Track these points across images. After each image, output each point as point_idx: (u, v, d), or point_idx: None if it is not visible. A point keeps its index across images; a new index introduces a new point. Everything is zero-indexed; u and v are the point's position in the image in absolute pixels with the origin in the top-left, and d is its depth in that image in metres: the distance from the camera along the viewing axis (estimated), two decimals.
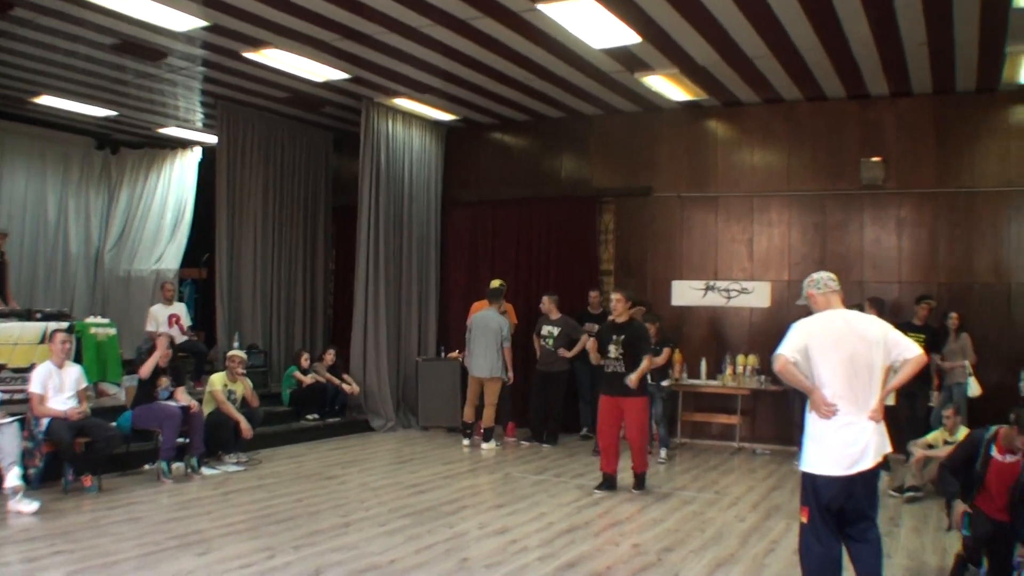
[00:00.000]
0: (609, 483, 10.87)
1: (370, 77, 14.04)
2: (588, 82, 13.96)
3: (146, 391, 11.47)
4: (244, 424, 12.05)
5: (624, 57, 12.57)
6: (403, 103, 15.72)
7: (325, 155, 18.11)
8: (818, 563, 6.02)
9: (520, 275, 16.12)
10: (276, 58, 13.01)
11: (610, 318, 11.37)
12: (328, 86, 14.53)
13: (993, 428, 7.32)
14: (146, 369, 11.44)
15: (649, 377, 11.59)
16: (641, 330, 11.16)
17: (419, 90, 14.82)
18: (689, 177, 15.49)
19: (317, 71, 13.61)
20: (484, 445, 13.95)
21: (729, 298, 14.96)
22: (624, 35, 11.41)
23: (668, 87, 13.98)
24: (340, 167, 18.07)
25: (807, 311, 6.43)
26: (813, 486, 6.03)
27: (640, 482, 10.87)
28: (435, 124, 17.01)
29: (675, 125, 15.56)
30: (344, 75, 13.82)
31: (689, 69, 13.08)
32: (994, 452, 7.18)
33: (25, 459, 9.74)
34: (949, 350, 12.81)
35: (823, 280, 6.44)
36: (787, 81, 13.66)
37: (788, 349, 6.11)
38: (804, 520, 6.09)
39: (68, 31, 12.28)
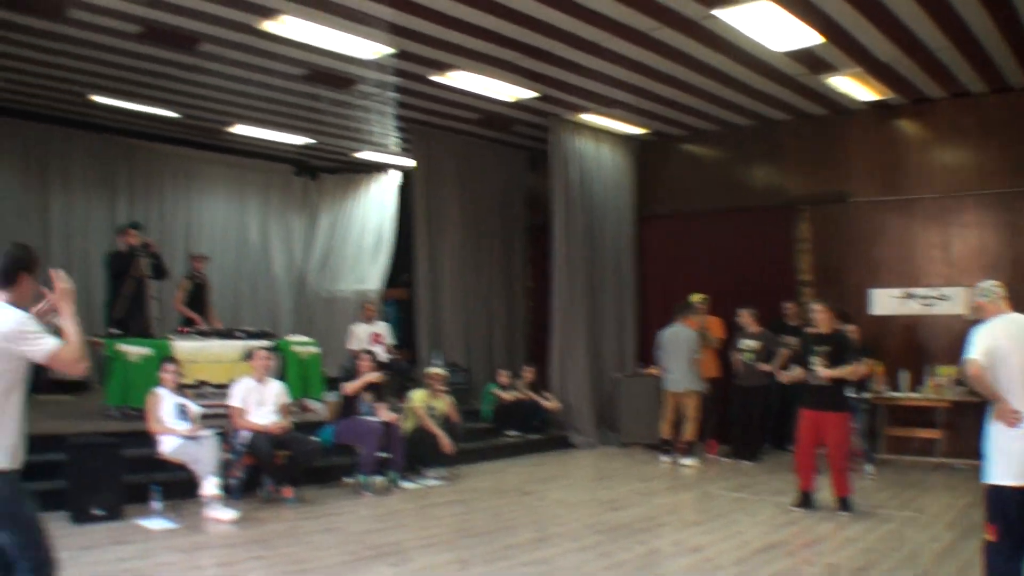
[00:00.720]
0: (806, 500, 10.50)
1: (557, 94, 14.06)
2: (773, 87, 13.66)
3: (349, 406, 11.74)
4: (445, 439, 12.15)
5: (806, 58, 12.26)
6: (591, 119, 15.67)
7: (519, 174, 18.22)
8: None
9: (717, 288, 15.61)
10: (463, 80, 13.18)
11: (809, 329, 11.07)
12: (517, 105, 14.60)
13: None
14: (353, 388, 11.72)
15: (852, 389, 11.29)
16: (846, 339, 10.76)
17: (606, 105, 14.75)
18: (882, 180, 14.90)
19: (504, 90, 13.70)
20: (684, 460, 13.75)
21: (928, 305, 14.40)
22: (804, 36, 11.15)
23: (854, 87, 13.53)
24: (535, 185, 18.05)
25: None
26: (1000, 500, 5.79)
27: (844, 504, 10.33)
28: (625, 138, 16.87)
29: (865, 127, 15.03)
30: (532, 93, 13.87)
31: (873, 67, 12.64)
32: None
33: (225, 470, 10.04)
34: None
35: (989, 288, 6.36)
36: (970, 73, 13.00)
37: (978, 353, 5.94)
38: (991, 538, 5.85)
39: (258, 64, 12.74)
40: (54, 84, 14.28)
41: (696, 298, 14.66)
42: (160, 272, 13.71)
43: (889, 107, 14.62)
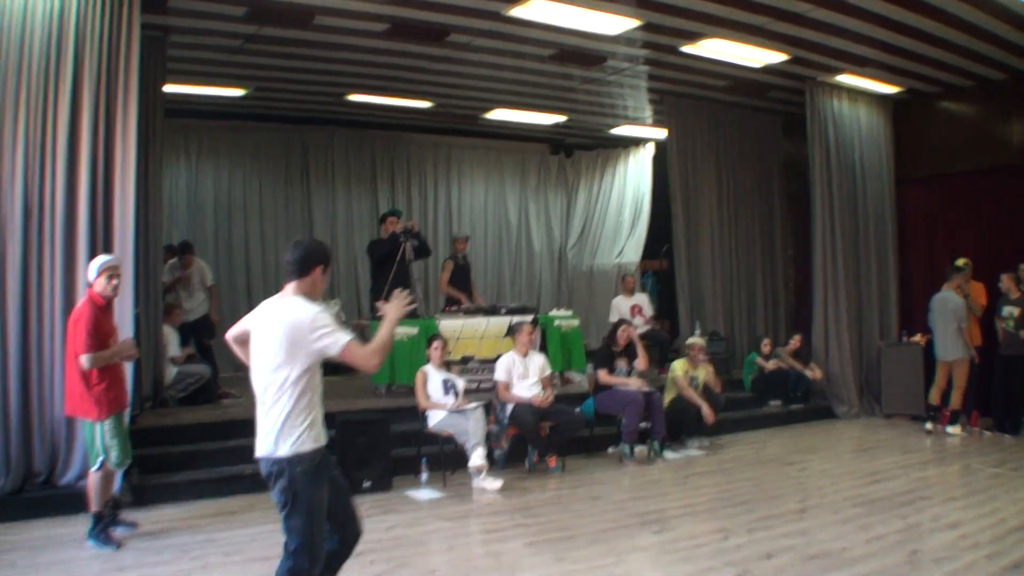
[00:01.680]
0: None
1: (809, 56, 13.80)
2: None
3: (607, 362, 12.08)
4: (707, 409, 12.27)
5: None
6: (845, 80, 15.31)
7: (775, 140, 18.00)
8: None
9: (979, 252, 15.00)
10: (713, 48, 13.12)
11: None
12: (768, 70, 14.41)
13: None
14: (606, 379, 12.02)
15: None
16: None
17: (859, 64, 14.35)
18: None
19: (755, 56, 13.57)
20: (949, 428, 13.42)
21: None
22: None
23: None
24: (791, 151, 17.76)
25: None
26: None
27: None
28: (880, 98, 16.38)
29: None
30: (783, 57, 13.66)
31: None
32: None
33: (491, 441, 10.51)
34: None
35: None
36: None
37: None
38: None
39: (507, 49, 13.09)
40: (311, 88, 15.15)
41: (961, 262, 14.22)
42: (423, 251, 14.21)
43: None
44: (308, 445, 5.22)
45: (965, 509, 9.16)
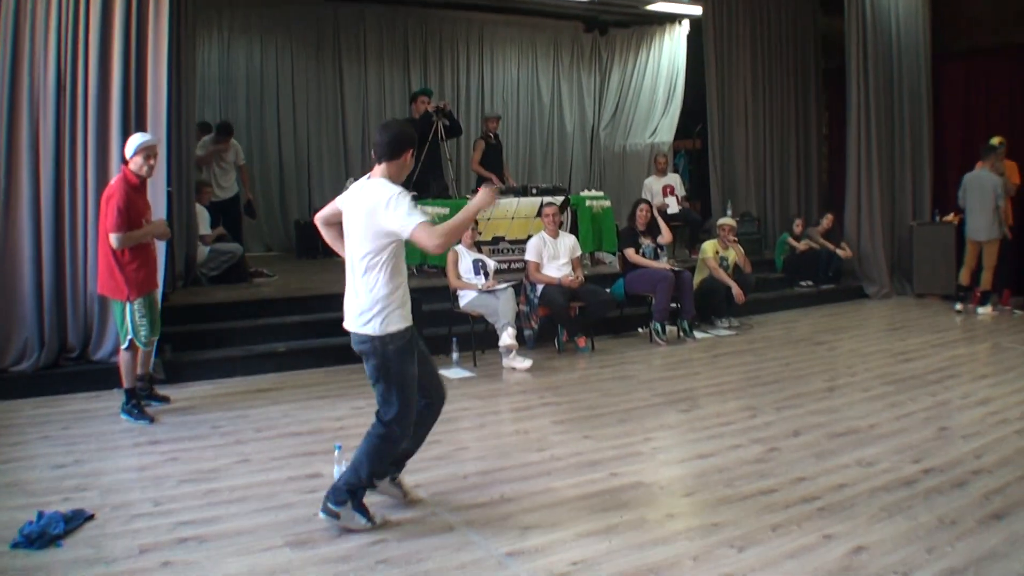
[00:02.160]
0: None
1: None
2: None
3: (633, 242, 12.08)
4: (736, 289, 12.31)
5: None
6: None
7: (812, 17, 17.66)
8: None
9: (1015, 129, 14.80)
10: None
11: None
12: None
13: None
14: (632, 256, 11.99)
15: None
16: None
17: None
18: None
19: None
20: (980, 309, 13.45)
21: None
22: None
23: None
24: (828, 28, 17.41)
25: None
26: None
27: None
28: None
29: None
30: None
31: None
32: None
33: (520, 321, 10.56)
34: None
35: None
36: None
37: None
38: None
39: None
40: None
41: (996, 140, 14.03)
42: (454, 130, 14.12)
43: None
44: (398, 324, 5.35)
45: (995, 386, 9.19)
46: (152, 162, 7.86)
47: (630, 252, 11.97)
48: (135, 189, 7.86)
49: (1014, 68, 15.32)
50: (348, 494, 5.47)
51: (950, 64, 16.26)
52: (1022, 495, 6.02)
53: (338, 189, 16.48)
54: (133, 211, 7.76)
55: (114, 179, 8.03)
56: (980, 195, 13.33)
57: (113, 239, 7.65)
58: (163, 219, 8.54)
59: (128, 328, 7.94)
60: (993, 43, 15.48)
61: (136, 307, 7.92)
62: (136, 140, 7.91)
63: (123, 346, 8.02)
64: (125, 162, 7.94)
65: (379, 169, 5.39)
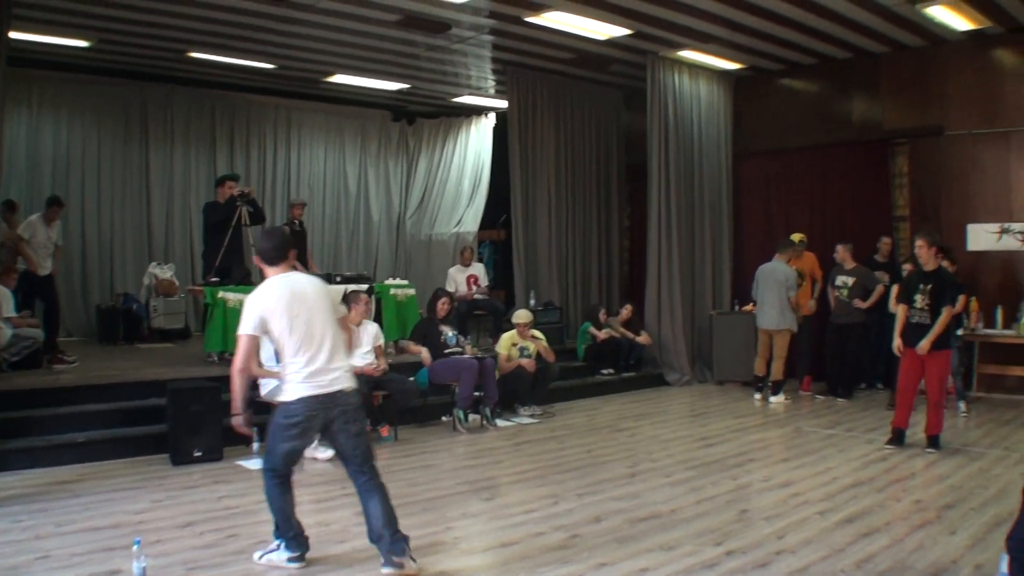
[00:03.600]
0: (899, 438, 10.40)
1: (652, 31, 13.85)
2: (871, 18, 13.23)
3: (431, 343, 12.02)
4: (526, 360, 12.42)
5: None
6: (688, 55, 15.43)
7: (616, 113, 18.08)
8: None
9: (814, 224, 15.51)
10: (558, 19, 13.05)
11: (908, 266, 11.01)
12: (612, 43, 14.42)
13: None
14: (416, 349, 12.08)
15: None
16: (949, 278, 10.52)
17: (702, 40, 14.47)
18: (979, 112, 14.38)
19: (599, 29, 13.54)
20: (772, 398, 13.70)
21: None
22: None
23: (951, 17, 13.04)
24: (631, 124, 17.88)
25: None
26: None
27: (934, 442, 10.25)
28: (721, 74, 16.63)
29: (962, 58, 14.47)
30: (626, 31, 13.68)
31: None
32: None
33: None
34: None
35: None
36: None
37: None
38: None
39: (351, 12, 12.80)
40: (153, 42, 14.55)
41: (796, 238, 14.51)
42: (257, 217, 13.86)
43: (985, 36, 14.07)
44: None
45: (797, 469, 9.36)
46: None
47: (409, 344, 12.19)
48: None
49: (813, 166, 16.12)
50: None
51: (752, 161, 16.95)
52: (826, 574, 6.06)
53: (141, 271, 16.16)
54: None
55: None
56: (768, 286, 13.73)
57: None
58: None
59: None
60: (793, 143, 16.25)
61: None
62: None
63: None
64: None
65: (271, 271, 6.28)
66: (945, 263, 11.47)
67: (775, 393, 13.74)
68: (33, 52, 14.67)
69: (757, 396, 13.94)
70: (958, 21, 13.29)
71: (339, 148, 20.18)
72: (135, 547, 5.83)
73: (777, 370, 13.76)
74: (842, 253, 13.89)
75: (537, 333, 12.88)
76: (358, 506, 7.72)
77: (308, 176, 19.59)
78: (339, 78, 17.09)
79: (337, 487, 8.62)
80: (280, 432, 6.29)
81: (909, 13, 13.00)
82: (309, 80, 17.43)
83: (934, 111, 14.82)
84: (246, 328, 6.12)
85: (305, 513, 7.71)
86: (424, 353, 11.90)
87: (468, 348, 12.13)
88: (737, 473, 9.13)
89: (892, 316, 10.99)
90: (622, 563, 6.28)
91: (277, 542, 6.41)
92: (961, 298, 11.98)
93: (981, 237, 14.27)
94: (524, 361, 12.41)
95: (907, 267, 12.06)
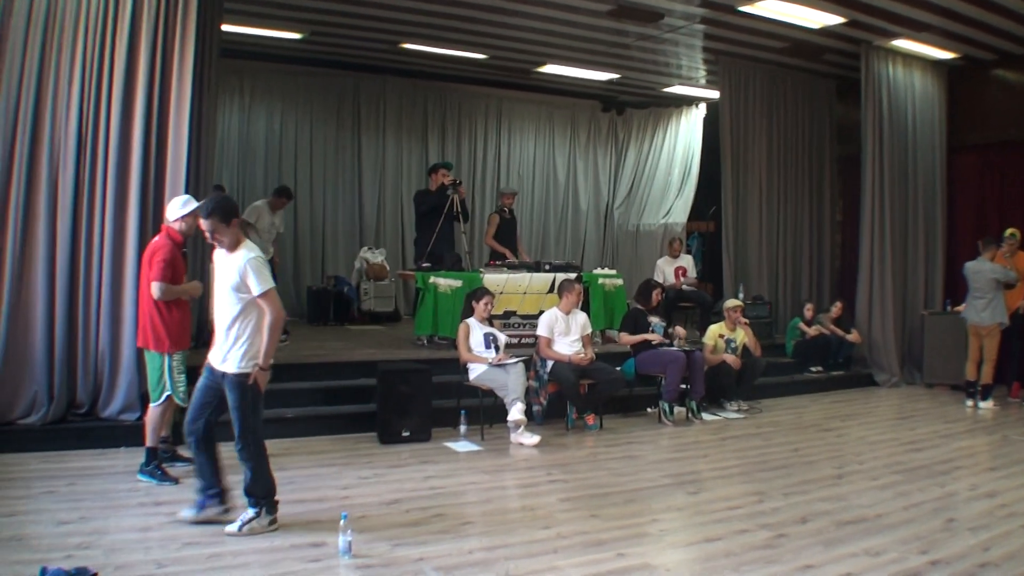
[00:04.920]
0: None
1: (866, 20, 13.65)
2: None
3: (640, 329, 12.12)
4: (731, 358, 12.45)
5: None
6: (902, 44, 15.12)
7: (828, 104, 17.83)
8: None
9: None
10: (771, 8, 13.01)
11: None
12: (825, 32, 14.30)
13: None
14: (628, 340, 12.15)
15: None
16: None
17: (917, 29, 14.18)
18: None
19: (812, 17, 13.45)
20: (981, 404, 13.29)
21: None
22: None
23: None
24: (843, 115, 17.57)
25: None
26: None
27: None
28: (935, 64, 16.19)
29: None
30: (840, 19, 13.53)
31: None
32: None
33: (530, 397, 10.50)
34: None
35: None
36: None
37: None
38: None
39: (564, 3, 13.01)
40: (366, 34, 15.12)
41: (1009, 232, 14.11)
42: (463, 216, 14.15)
43: None
44: None
45: (1003, 479, 9.12)
46: (195, 223, 7.89)
47: (623, 335, 12.15)
48: (179, 247, 8.01)
49: (1022, 160, 15.56)
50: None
51: (964, 155, 16.46)
52: None
53: (352, 256, 16.71)
54: (177, 266, 7.92)
55: (157, 237, 8.10)
56: (980, 282, 13.31)
57: (156, 288, 7.75)
58: (197, 281, 8.59)
59: (166, 382, 7.97)
60: (1008, 136, 15.68)
61: (176, 360, 7.99)
62: (187, 203, 8.02)
63: (155, 402, 8.02)
64: (166, 221, 8.06)
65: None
66: None
67: (984, 398, 13.32)
68: (246, 44, 15.35)
69: (969, 403, 13.51)
70: None
71: (548, 138, 20.51)
72: (342, 521, 6.15)
73: (987, 374, 13.34)
74: None
75: (744, 320, 12.90)
76: (565, 493, 7.94)
77: (518, 165, 20.00)
78: (550, 68, 17.34)
79: (543, 473, 8.84)
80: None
81: None
82: (520, 70, 17.73)
83: None
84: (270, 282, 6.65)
85: (510, 497, 7.95)
86: (654, 336, 12.03)
87: (679, 336, 12.23)
88: (944, 480, 8.98)
89: None
90: (827, 566, 6.29)
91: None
92: None
93: None
94: (728, 357, 12.44)
95: None
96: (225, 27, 12.83)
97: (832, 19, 13.54)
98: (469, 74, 18.37)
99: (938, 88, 16.43)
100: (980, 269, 13.38)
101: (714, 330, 12.69)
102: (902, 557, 6.52)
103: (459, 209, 13.81)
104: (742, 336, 12.72)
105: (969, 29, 14.16)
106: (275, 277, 13.49)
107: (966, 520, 7.59)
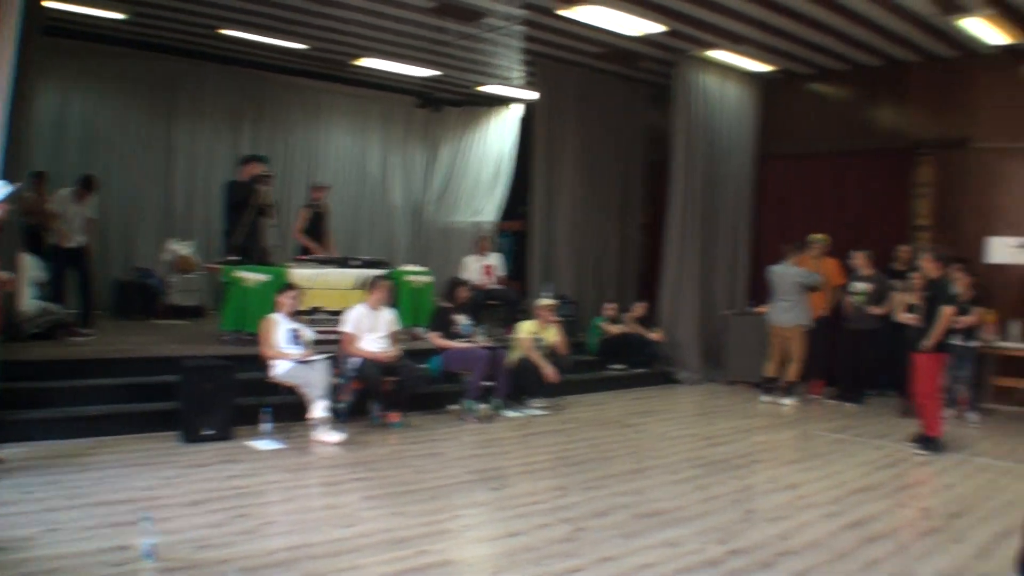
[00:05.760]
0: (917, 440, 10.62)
1: (685, 29, 13.86)
2: (905, 27, 13.27)
3: (446, 329, 12.07)
4: (548, 369, 12.27)
5: None
6: (718, 55, 15.43)
7: (641, 110, 18.06)
8: None
9: (834, 230, 15.20)
10: (591, 14, 13.04)
11: (915, 275, 11.13)
12: (643, 40, 14.46)
13: None
14: (440, 343, 12.06)
15: (960, 337, 11.64)
16: (941, 285, 10.64)
17: (735, 41, 14.50)
18: (1008, 127, 14.41)
19: (632, 25, 13.52)
20: (784, 400, 13.72)
21: None
22: None
23: (986, 30, 12.96)
24: (656, 121, 17.78)
25: None
26: None
27: (926, 443, 10.44)
28: (750, 76, 16.64)
29: (994, 71, 14.48)
30: (660, 28, 13.65)
31: (1006, 10, 12.17)
32: None
33: (335, 394, 10.28)
34: None
35: None
36: None
37: None
38: None
39: None
40: (184, 17, 14.63)
41: (819, 237, 14.56)
42: (265, 212, 13.86)
43: (1020, 51, 14.00)
44: None
45: (804, 472, 9.38)
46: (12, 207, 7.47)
47: (435, 336, 12.06)
48: None
49: (837, 172, 16.22)
50: None
51: (774, 163, 17.01)
52: None
53: (161, 247, 16.22)
54: None
55: None
56: (783, 285, 13.80)
57: None
58: (7, 272, 8.20)
59: None
60: (819, 148, 16.37)
61: None
62: (5, 188, 7.57)
63: None
64: None
65: None
66: (961, 275, 11.59)
67: (787, 395, 13.76)
68: (68, 22, 14.74)
69: (765, 398, 13.94)
70: (994, 35, 13.18)
71: (363, 132, 20.32)
72: (145, 523, 5.92)
73: (792, 372, 13.81)
74: (859, 259, 13.83)
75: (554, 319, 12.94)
76: (368, 491, 7.84)
77: (333, 159, 19.73)
78: (368, 62, 17.13)
79: (346, 471, 8.70)
80: None
81: (944, 24, 12.99)
82: (339, 63, 17.48)
83: (961, 123, 14.86)
84: None
85: (313, 496, 7.81)
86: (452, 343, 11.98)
87: (463, 344, 12.12)
88: (743, 473, 9.18)
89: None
90: (626, 558, 6.32)
91: None
92: (976, 310, 12.15)
93: (1002, 250, 14.33)
94: (536, 356, 12.42)
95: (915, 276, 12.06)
96: (49, 3, 12.32)
97: (653, 27, 13.66)
98: (288, 64, 18.01)
99: (753, 99, 16.92)
100: (785, 273, 13.77)
101: (526, 327, 12.67)
102: (701, 548, 6.61)
103: (265, 203, 13.52)
104: (551, 335, 12.74)
105: (788, 43, 14.60)
106: (87, 266, 13.20)
107: (765, 511, 7.76)
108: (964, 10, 12.28)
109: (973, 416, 12.77)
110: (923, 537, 7.25)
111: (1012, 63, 14.25)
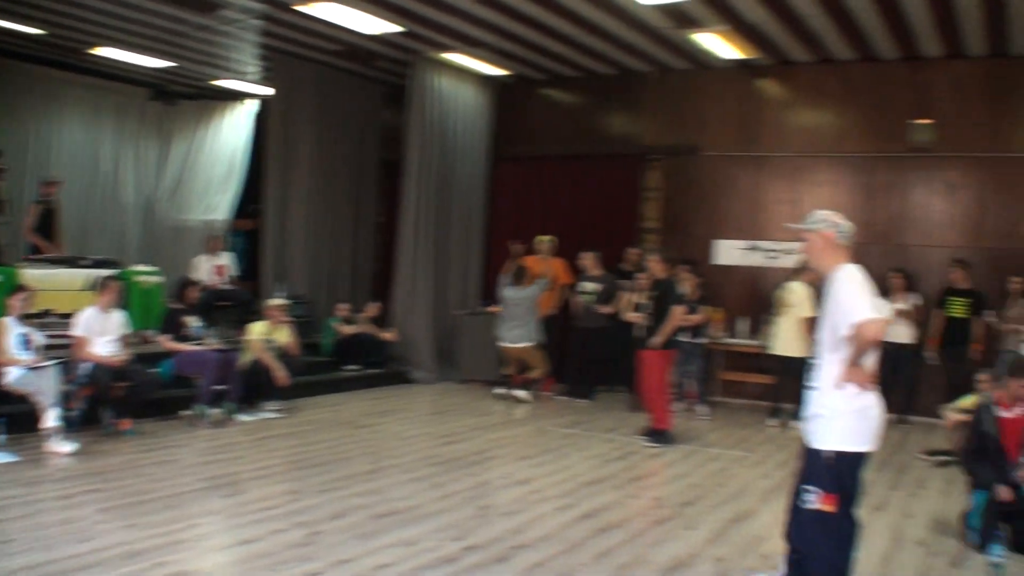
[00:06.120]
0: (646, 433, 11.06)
1: (421, 31, 13.92)
2: (639, 38, 13.77)
3: (175, 331, 11.82)
4: (279, 372, 12.13)
5: (675, 14, 12.35)
6: (454, 57, 15.58)
7: (376, 109, 18.11)
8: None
9: (565, 232, 15.70)
10: (328, 11, 12.94)
11: (641, 276, 11.52)
12: (380, 39, 14.48)
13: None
14: (168, 344, 11.81)
15: (688, 334, 12.19)
16: (668, 285, 11.10)
17: (470, 44, 14.67)
18: (737, 136, 15.30)
19: (369, 24, 13.50)
20: (518, 392, 14.02)
21: (772, 258, 14.77)
22: None
23: (719, 45, 13.67)
24: (390, 120, 17.85)
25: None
26: (850, 467, 5.27)
27: (655, 436, 10.92)
28: (486, 79, 16.88)
29: (725, 83, 15.35)
30: (396, 28, 13.67)
31: (740, 27, 12.82)
32: (1000, 411, 7.15)
33: (66, 402, 9.88)
34: (1012, 314, 12.61)
35: (849, 231, 5.68)
36: (839, 41, 13.41)
37: (872, 310, 5.19)
38: (831, 509, 5.24)
39: None
40: None
41: (543, 239, 14.88)
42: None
43: (752, 66, 14.86)
44: None
45: (536, 467, 9.63)
46: None
47: (164, 340, 11.79)
48: None
49: (562, 175, 16.68)
50: None
51: (508, 165, 17.34)
52: (565, 568, 6.32)
53: None
54: None
55: None
56: (517, 308, 14.10)
57: None
58: None
59: None
60: (551, 151, 16.78)
61: None
62: None
63: None
64: None
65: None
66: (685, 275, 12.07)
67: (522, 388, 14.11)
68: None
69: (498, 390, 14.30)
70: (727, 49, 13.89)
71: (97, 125, 19.34)
72: None
73: (537, 375, 14.27)
74: (587, 260, 14.24)
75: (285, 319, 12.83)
76: (103, 503, 7.59)
77: (66, 152, 18.72)
78: (104, 51, 16.41)
79: (80, 482, 8.39)
80: None
81: (678, 38, 13.52)
82: (74, 50, 16.69)
83: (691, 131, 15.62)
84: None
85: (48, 511, 7.50)
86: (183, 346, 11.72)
87: (212, 341, 11.92)
88: (477, 470, 9.33)
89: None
90: (362, 559, 6.34)
91: None
92: (703, 308, 12.70)
93: (729, 252, 15.14)
94: (268, 358, 12.26)
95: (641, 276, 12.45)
96: None
97: (389, 27, 13.66)
98: (21, 50, 17.05)
99: (488, 102, 17.17)
100: (517, 297, 14.12)
101: (257, 329, 12.48)
102: (437, 545, 6.68)
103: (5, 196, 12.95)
104: (282, 336, 12.59)
105: (523, 49, 14.88)
106: None
107: (500, 506, 7.93)
108: (698, 25, 12.82)
109: (703, 409, 13.37)
110: (656, 525, 7.55)
111: (742, 76, 15.05)
